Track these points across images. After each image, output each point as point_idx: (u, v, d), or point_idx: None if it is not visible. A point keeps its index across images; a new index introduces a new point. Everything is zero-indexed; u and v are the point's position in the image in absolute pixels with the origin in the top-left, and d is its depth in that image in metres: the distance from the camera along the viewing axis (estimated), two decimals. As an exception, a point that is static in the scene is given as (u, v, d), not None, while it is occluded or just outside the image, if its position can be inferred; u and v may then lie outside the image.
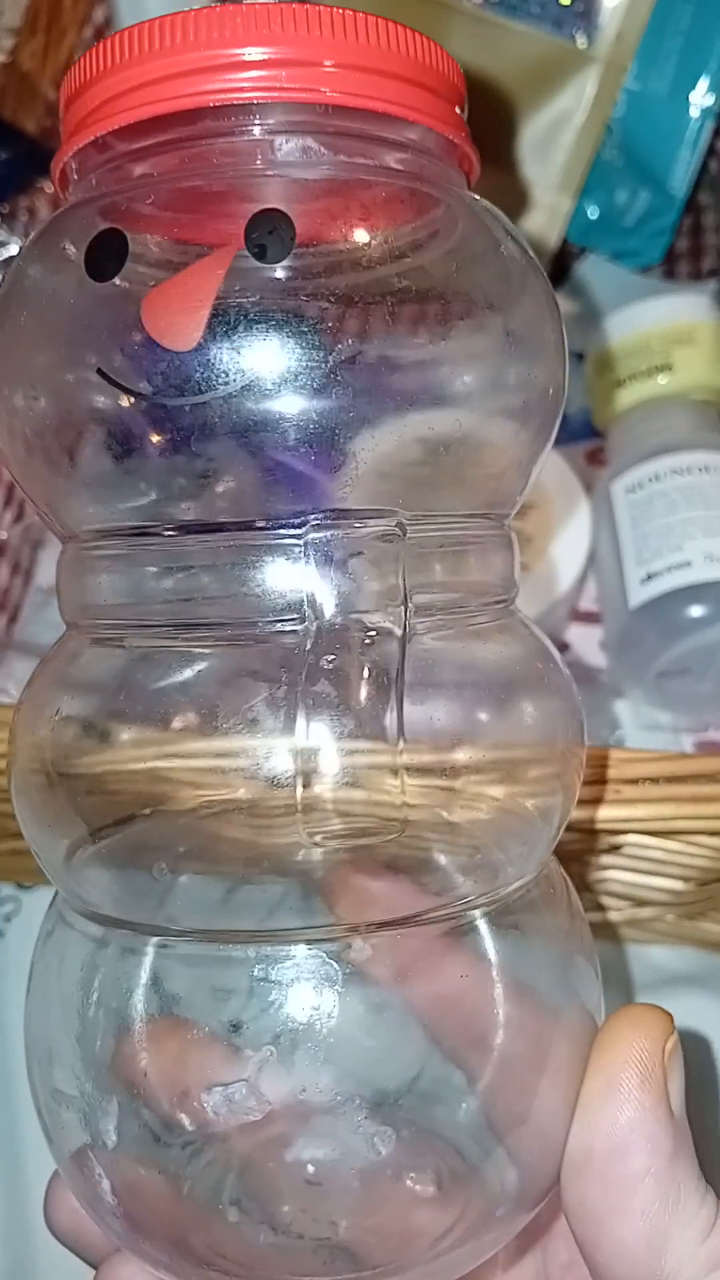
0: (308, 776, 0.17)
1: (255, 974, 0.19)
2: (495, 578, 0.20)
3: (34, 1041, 0.21)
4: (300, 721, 0.17)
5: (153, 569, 0.19)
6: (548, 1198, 0.21)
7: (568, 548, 0.38)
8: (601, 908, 0.35)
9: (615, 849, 0.30)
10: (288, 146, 0.18)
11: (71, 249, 0.19)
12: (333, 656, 0.17)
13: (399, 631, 0.17)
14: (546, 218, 0.45)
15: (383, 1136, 0.20)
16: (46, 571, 0.43)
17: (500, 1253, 0.22)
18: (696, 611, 0.35)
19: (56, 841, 0.20)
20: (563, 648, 0.41)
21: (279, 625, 0.18)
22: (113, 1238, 0.21)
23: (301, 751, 0.17)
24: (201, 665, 0.19)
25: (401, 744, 0.18)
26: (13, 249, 0.39)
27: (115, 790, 0.20)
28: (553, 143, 0.44)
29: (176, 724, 0.19)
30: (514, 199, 0.45)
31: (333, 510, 0.18)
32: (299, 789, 0.17)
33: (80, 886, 0.20)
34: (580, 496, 0.39)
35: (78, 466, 0.19)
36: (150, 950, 0.20)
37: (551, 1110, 0.20)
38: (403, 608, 0.18)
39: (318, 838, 0.18)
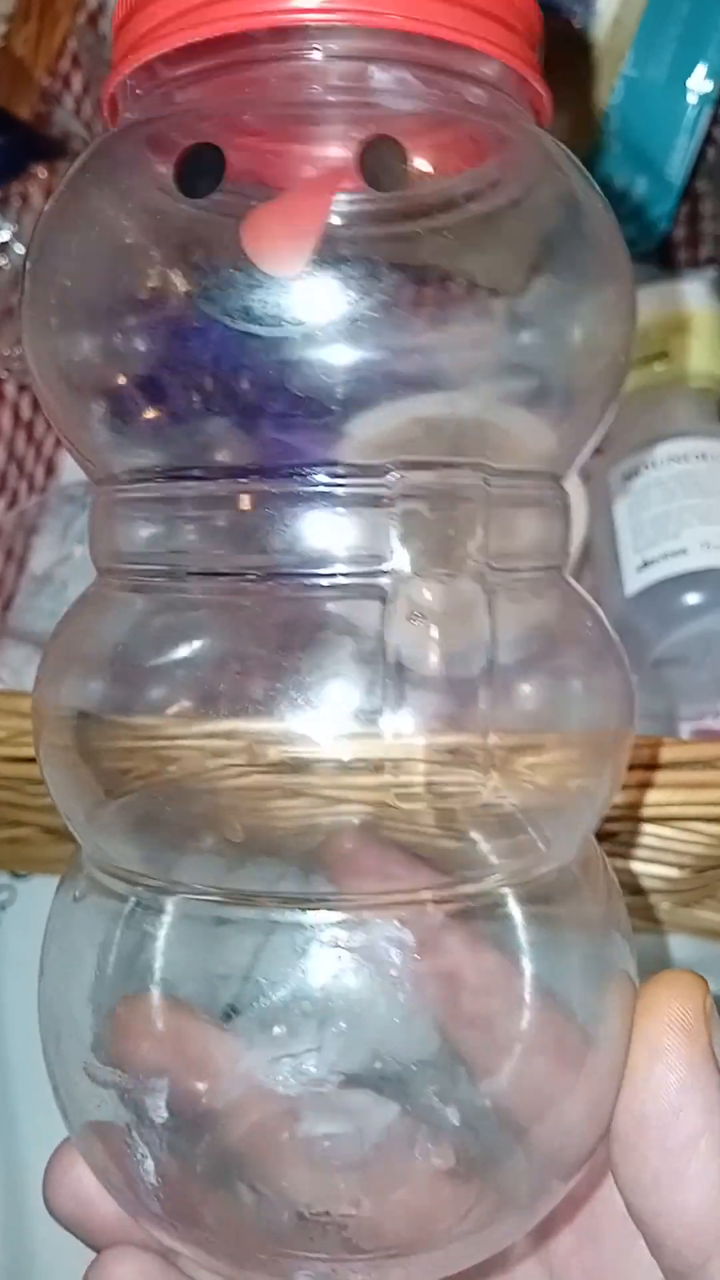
0: (397, 737, 0.16)
1: (269, 939, 0.19)
2: (555, 541, 0.20)
3: (52, 1008, 0.21)
4: (386, 681, 0.16)
5: (196, 514, 0.18)
6: (572, 1182, 0.20)
7: (564, 536, 0.38)
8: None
9: (611, 836, 0.30)
10: (373, 72, 0.17)
11: (143, 166, 0.18)
12: (419, 610, 0.16)
13: (484, 590, 0.17)
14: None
15: (402, 1113, 0.20)
16: (39, 558, 0.43)
17: (510, 1252, 0.22)
18: (693, 599, 0.35)
19: (81, 796, 0.20)
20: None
21: (346, 579, 0.17)
22: (144, 1219, 0.20)
23: (389, 712, 0.16)
24: (237, 623, 0.19)
25: (497, 717, 0.17)
26: (6, 235, 0.39)
27: (141, 748, 0.19)
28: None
29: (212, 692, 0.18)
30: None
31: (415, 460, 0.17)
32: (387, 749, 0.17)
33: (106, 842, 0.20)
34: (576, 484, 0.39)
35: (132, 400, 0.18)
36: (169, 910, 0.20)
37: (577, 1098, 0.20)
38: (487, 565, 0.17)
39: (404, 796, 0.17)
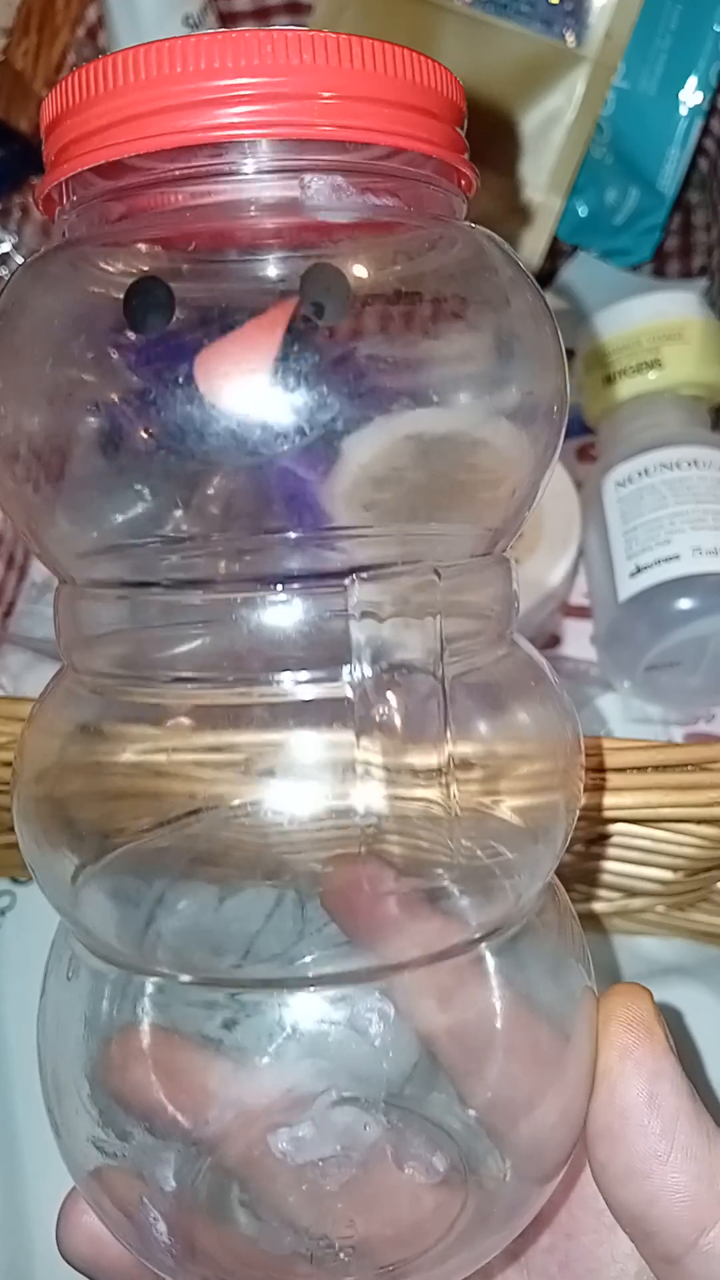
0: (370, 828, 0.17)
1: (265, 1013, 0.19)
2: (500, 609, 0.20)
3: (50, 1073, 0.21)
4: (357, 774, 0.17)
5: (152, 620, 0.19)
6: (551, 1187, 0.21)
7: (558, 543, 0.39)
8: (592, 898, 0.35)
9: (604, 839, 0.30)
10: (308, 183, 0.18)
11: (88, 289, 0.18)
12: (383, 708, 0.17)
13: (440, 677, 0.17)
14: (537, 216, 0.46)
15: (388, 1131, 0.20)
16: (40, 566, 0.43)
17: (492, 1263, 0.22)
18: (685, 604, 0.35)
19: (59, 869, 0.20)
20: (553, 642, 0.42)
21: (315, 676, 0.18)
22: (157, 1267, 0.21)
23: (362, 794, 0.17)
24: (224, 716, 0.19)
25: (454, 787, 0.18)
26: (6, 246, 0.39)
27: (116, 815, 0.20)
28: (543, 141, 0.45)
29: (180, 768, 0.19)
30: (505, 198, 0.46)
31: (371, 566, 0.18)
32: (362, 838, 0.17)
33: (83, 919, 0.20)
34: (571, 492, 0.40)
35: (80, 508, 0.19)
36: (150, 988, 0.20)
37: (554, 1107, 0.20)
38: (441, 655, 0.18)
39: (379, 872, 0.18)
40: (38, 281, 0.19)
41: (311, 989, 0.20)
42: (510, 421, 0.19)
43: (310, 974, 0.20)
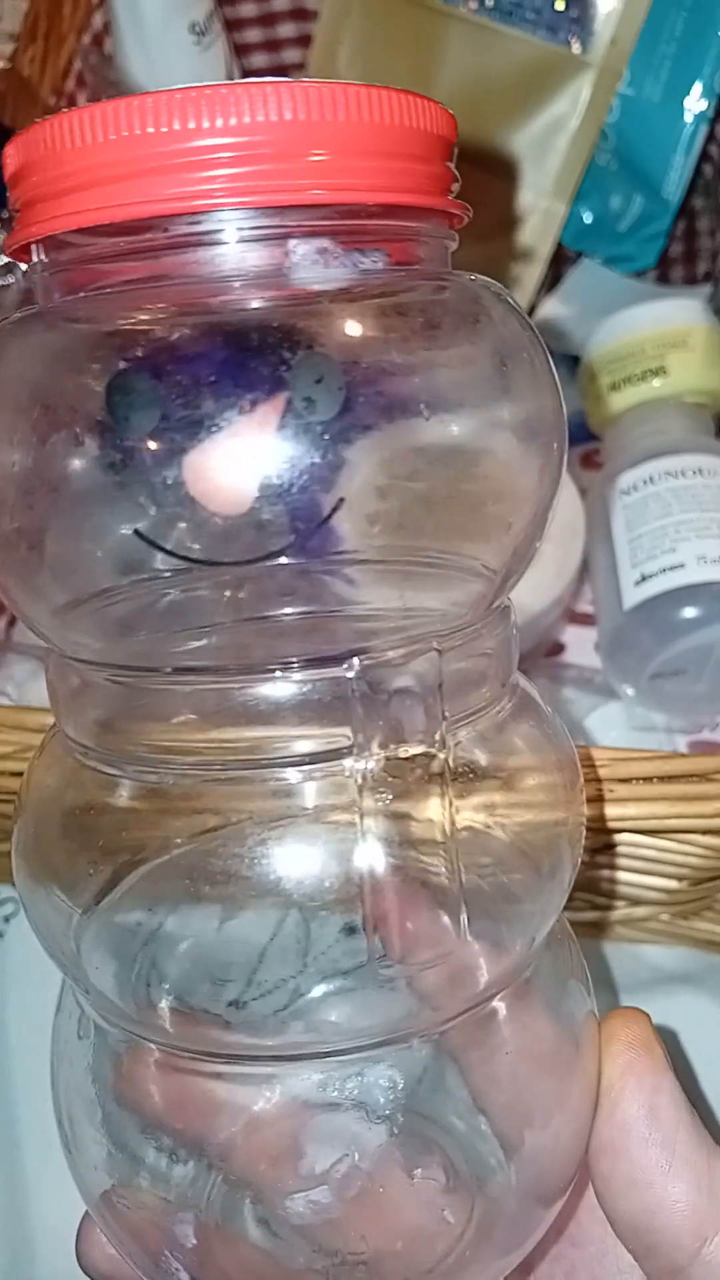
0: (375, 912, 0.17)
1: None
2: (504, 665, 0.20)
3: (64, 1112, 0.22)
4: (361, 859, 0.17)
5: (157, 708, 0.18)
6: (560, 1203, 0.21)
7: (562, 550, 0.39)
8: (596, 907, 0.35)
9: (609, 848, 0.30)
10: (293, 248, 0.17)
11: (68, 366, 0.17)
12: (387, 794, 0.17)
13: (444, 755, 0.17)
14: (541, 222, 0.46)
15: (397, 1143, 0.20)
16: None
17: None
18: (690, 613, 0.35)
19: (60, 929, 0.20)
20: (558, 649, 0.42)
21: (320, 759, 0.18)
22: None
23: (368, 885, 0.17)
24: (229, 802, 0.19)
25: (460, 867, 0.18)
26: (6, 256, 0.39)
27: (114, 843, 0.20)
28: (547, 148, 0.45)
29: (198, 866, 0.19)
30: (509, 204, 0.46)
31: (372, 647, 0.17)
32: (369, 925, 0.17)
33: (86, 975, 0.20)
34: (575, 499, 0.40)
35: (88, 613, 0.18)
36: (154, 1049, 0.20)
37: (562, 1123, 0.21)
38: (445, 732, 0.17)
39: (387, 966, 0.18)
40: (8, 353, 0.18)
41: (320, 1061, 0.20)
42: (511, 469, 0.19)
43: (348, 1043, 0.20)
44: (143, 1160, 0.21)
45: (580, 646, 0.41)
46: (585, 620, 0.41)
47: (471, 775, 0.19)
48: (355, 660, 0.17)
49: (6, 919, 0.40)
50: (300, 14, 0.50)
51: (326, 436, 0.16)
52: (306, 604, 0.18)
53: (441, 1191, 0.21)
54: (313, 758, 0.18)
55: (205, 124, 0.16)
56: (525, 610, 0.38)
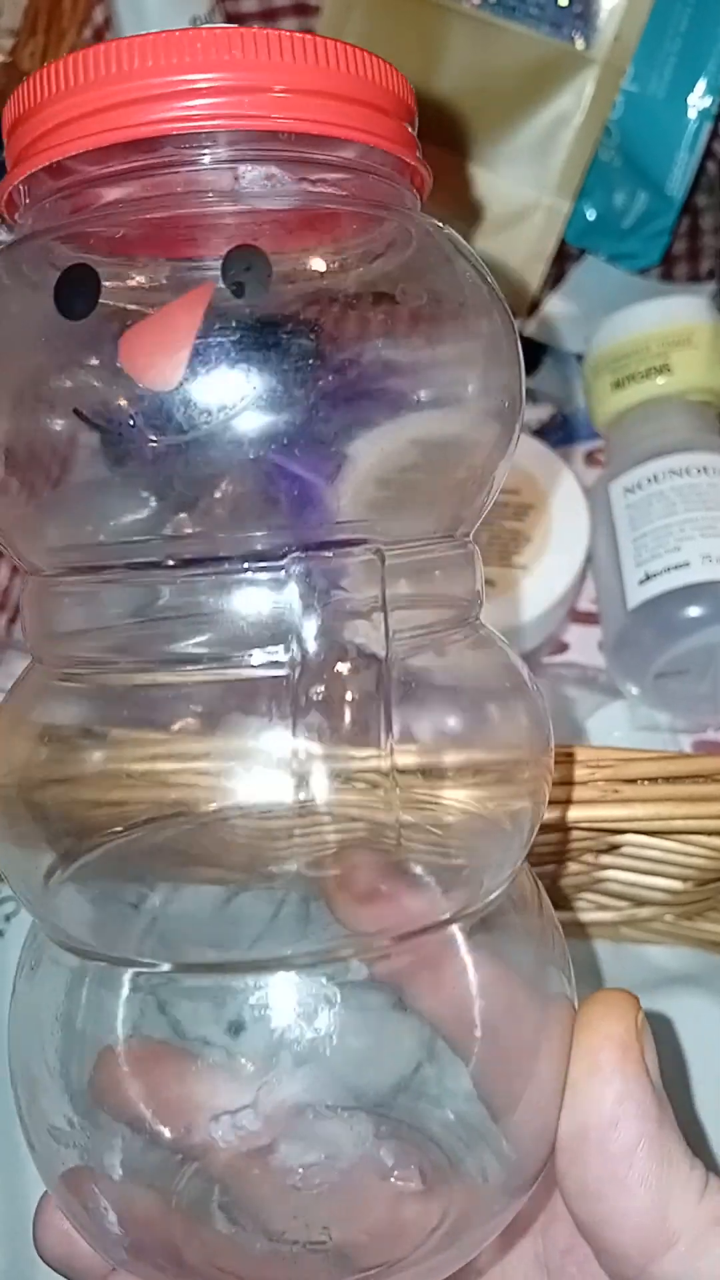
0: (304, 804, 0.18)
1: (242, 999, 0.19)
2: (462, 594, 0.21)
3: (20, 1073, 0.21)
4: (294, 750, 0.17)
5: (121, 606, 0.19)
6: (531, 1191, 0.21)
7: (566, 548, 0.39)
8: (600, 907, 0.35)
9: (614, 849, 0.30)
10: (242, 173, 0.18)
11: (35, 280, 0.19)
12: (321, 687, 0.17)
13: (383, 656, 0.18)
14: (544, 219, 0.45)
15: (369, 1139, 0.20)
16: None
17: (485, 1249, 0.22)
18: (694, 612, 0.35)
19: (31, 868, 0.20)
20: (561, 648, 0.41)
21: (257, 657, 0.18)
22: (114, 1263, 0.21)
23: (298, 778, 0.18)
24: (177, 698, 0.19)
25: (393, 766, 0.18)
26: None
27: (89, 812, 0.20)
28: (551, 144, 0.45)
29: (154, 750, 0.19)
30: (512, 201, 0.45)
31: (313, 542, 0.18)
32: (295, 817, 0.18)
33: (57, 917, 0.20)
34: (579, 497, 0.40)
35: (47, 501, 0.19)
36: (126, 981, 0.20)
37: (534, 1104, 0.20)
38: (385, 633, 0.18)
39: (313, 860, 0.18)
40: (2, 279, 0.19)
41: (293, 971, 0.19)
42: (463, 416, 0.19)
43: (290, 951, 0.20)
44: (111, 1147, 0.20)
45: (584, 645, 0.41)
46: (589, 619, 0.41)
47: (414, 688, 0.19)
48: (293, 556, 0.17)
49: (7, 917, 0.40)
50: (302, 9, 0.50)
51: (253, 319, 0.17)
52: (239, 489, 0.19)
53: (417, 1193, 0.20)
54: (264, 657, 0.18)
55: (174, 61, 0.17)
56: (529, 609, 0.38)
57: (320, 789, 0.18)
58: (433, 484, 0.20)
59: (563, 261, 0.50)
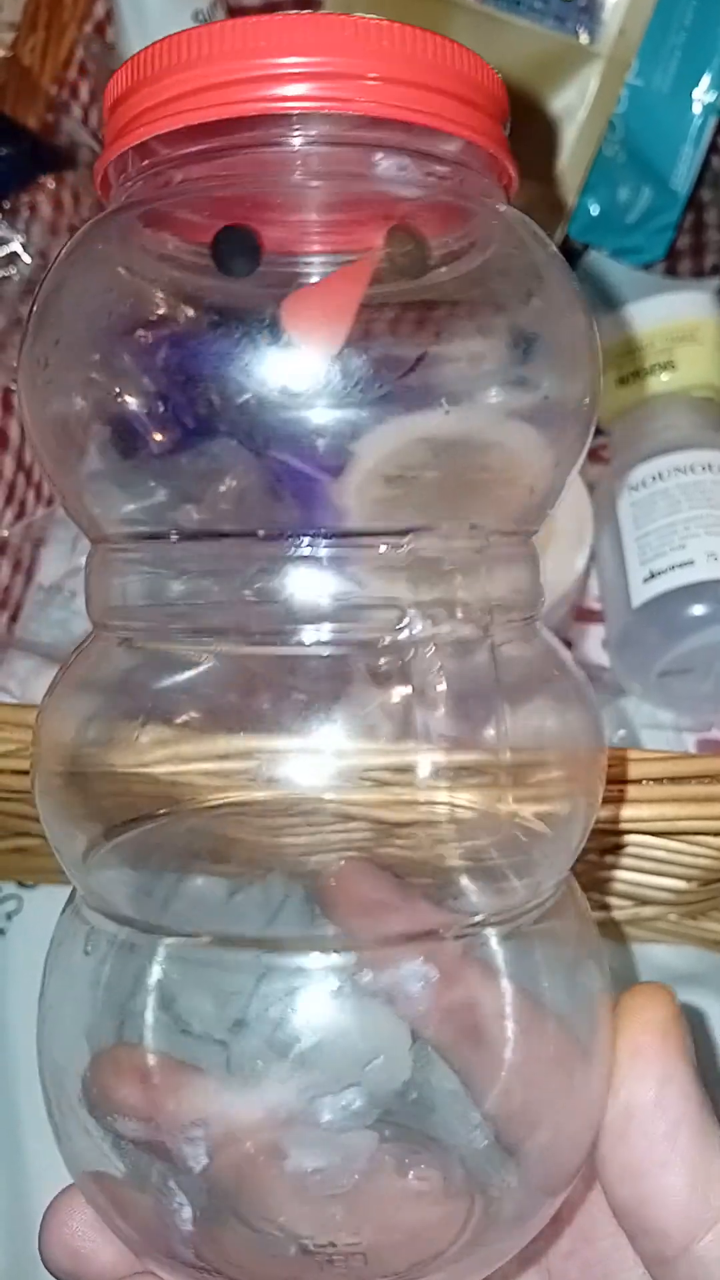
0: (431, 780, 0.18)
1: (261, 982, 0.19)
2: (526, 592, 0.21)
3: (56, 1064, 0.21)
4: (418, 728, 0.17)
5: (186, 574, 0.19)
6: (564, 1195, 0.21)
7: (570, 546, 0.38)
8: (605, 906, 0.35)
9: (618, 848, 0.30)
10: (378, 159, 0.19)
11: (153, 241, 0.19)
12: (440, 664, 0.17)
13: (491, 640, 0.18)
14: (549, 214, 0.45)
15: (381, 1142, 0.20)
16: (47, 570, 0.43)
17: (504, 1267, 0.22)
18: (699, 610, 0.35)
19: (76, 839, 0.20)
20: (565, 646, 0.41)
21: (332, 633, 0.18)
22: (169, 1265, 0.21)
23: (422, 758, 0.18)
24: (238, 671, 0.19)
25: (508, 751, 0.18)
26: (14, 246, 0.39)
27: (136, 789, 0.20)
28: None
29: (209, 726, 0.19)
30: (519, 195, 0.45)
31: (420, 525, 0.18)
32: (422, 792, 0.18)
33: (97, 884, 0.20)
34: (582, 495, 0.39)
35: (125, 467, 0.19)
36: (161, 953, 0.20)
37: (568, 1113, 0.20)
38: (490, 616, 0.18)
39: (437, 844, 0.18)
40: (92, 248, 0.19)
41: (320, 952, 0.19)
42: (545, 418, 0.20)
43: (320, 932, 0.20)
44: (123, 1146, 0.20)
45: (588, 644, 0.41)
46: (593, 617, 0.41)
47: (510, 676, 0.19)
48: (409, 535, 0.17)
49: (9, 916, 0.40)
50: (305, 2, 0.50)
51: (412, 291, 0.18)
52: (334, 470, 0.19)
53: (438, 1194, 0.21)
54: (340, 633, 0.18)
55: (309, 42, 0.18)
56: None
57: (426, 773, 0.18)
58: (513, 479, 0.20)
59: (566, 256, 0.50)
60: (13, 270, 0.39)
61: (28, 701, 0.35)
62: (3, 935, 0.39)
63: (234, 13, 0.49)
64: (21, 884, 0.40)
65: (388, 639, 0.17)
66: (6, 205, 0.40)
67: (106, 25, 0.47)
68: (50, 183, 0.41)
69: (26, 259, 0.39)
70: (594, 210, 0.47)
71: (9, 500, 0.41)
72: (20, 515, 0.41)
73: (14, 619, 0.42)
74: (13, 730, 0.29)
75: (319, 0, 0.49)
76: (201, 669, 0.19)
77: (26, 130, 0.42)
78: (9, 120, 0.42)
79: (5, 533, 0.41)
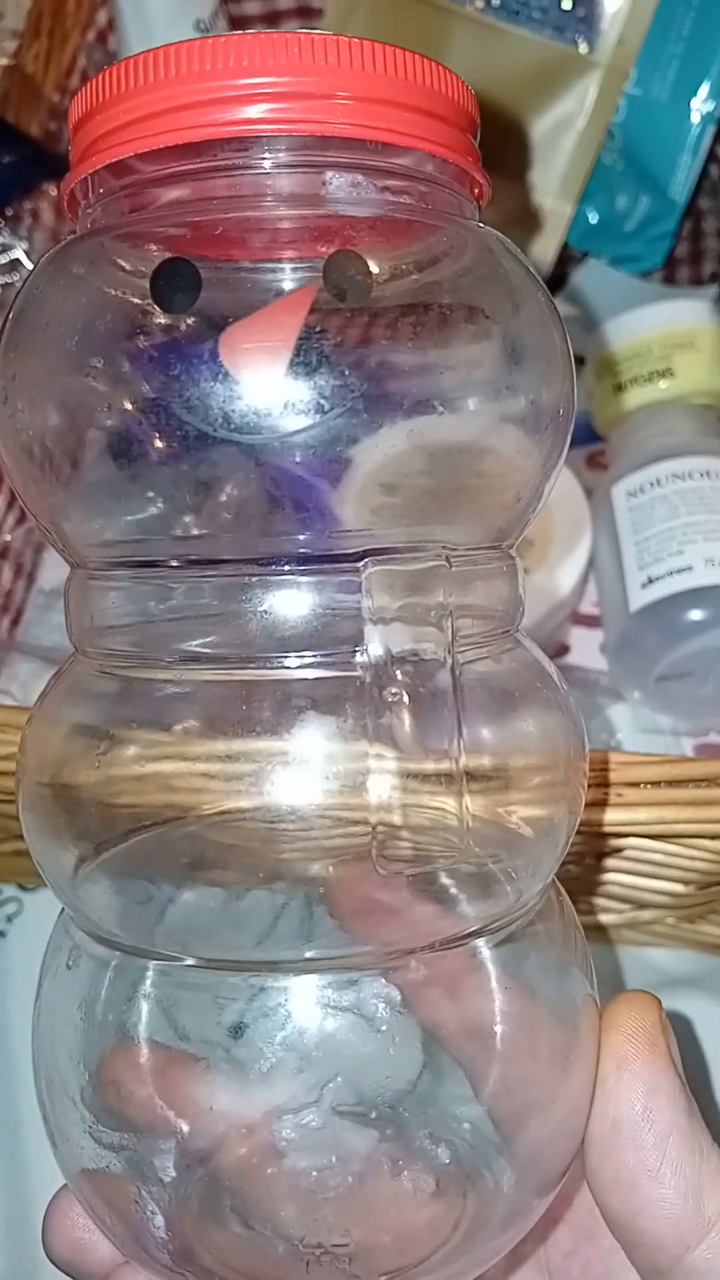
0: (382, 807, 0.18)
1: (259, 1000, 0.19)
2: (503, 605, 0.21)
3: (43, 1071, 0.21)
4: (371, 752, 0.17)
5: (164, 602, 0.19)
6: (554, 1194, 0.21)
7: (568, 551, 0.39)
8: (602, 910, 0.35)
9: (616, 852, 0.30)
10: (329, 180, 0.19)
11: (112, 271, 0.19)
12: (395, 690, 0.17)
13: (451, 661, 0.18)
14: (547, 222, 0.45)
15: (377, 1143, 0.20)
16: (49, 574, 0.43)
17: (500, 1262, 0.22)
18: (697, 615, 0.35)
19: (62, 858, 0.20)
20: (563, 651, 0.41)
21: (311, 658, 0.18)
22: (150, 1268, 0.21)
23: (374, 780, 0.18)
24: (208, 695, 0.19)
25: (465, 769, 0.18)
26: (17, 253, 0.39)
27: (119, 806, 0.20)
28: (554, 147, 0.45)
29: (184, 744, 0.19)
30: (515, 204, 0.45)
31: (383, 548, 0.18)
32: (374, 817, 0.18)
33: (85, 905, 0.20)
34: (581, 500, 0.40)
35: (97, 493, 0.19)
36: (151, 973, 0.20)
37: (558, 1112, 0.20)
38: (450, 639, 0.18)
39: (390, 864, 0.18)
40: (58, 273, 0.19)
41: (313, 974, 0.19)
42: (518, 428, 0.19)
43: (312, 955, 0.20)
44: (124, 1137, 0.20)
45: (586, 648, 0.41)
46: (591, 622, 0.41)
47: (469, 704, 0.19)
48: (368, 560, 0.17)
49: (9, 918, 0.40)
50: (306, 12, 0.50)
51: (354, 326, 0.17)
52: (321, 514, 0.19)
53: (430, 1195, 0.21)
54: (320, 658, 0.18)
55: (254, 63, 0.18)
56: (530, 612, 0.38)
57: (383, 791, 0.18)
58: (487, 493, 0.20)
59: (565, 264, 0.50)
60: (15, 277, 0.39)
61: (29, 705, 0.35)
62: (3, 937, 0.39)
63: (235, 22, 0.50)
64: (22, 886, 0.41)
65: (364, 656, 0.17)
66: (9, 212, 0.40)
67: (109, 33, 0.48)
68: (53, 190, 0.42)
69: (29, 265, 0.39)
70: (592, 218, 0.48)
71: (11, 505, 0.41)
72: (22, 520, 0.41)
73: (15, 623, 0.42)
74: (13, 733, 0.29)
75: (320, 10, 0.49)
76: (177, 690, 0.19)
77: (29, 137, 0.43)
78: (12, 127, 0.42)
79: (8, 537, 0.41)
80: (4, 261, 0.39)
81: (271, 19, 0.51)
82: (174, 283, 0.18)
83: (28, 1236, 0.35)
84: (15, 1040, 0.38)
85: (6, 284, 0.39)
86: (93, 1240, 0.22)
